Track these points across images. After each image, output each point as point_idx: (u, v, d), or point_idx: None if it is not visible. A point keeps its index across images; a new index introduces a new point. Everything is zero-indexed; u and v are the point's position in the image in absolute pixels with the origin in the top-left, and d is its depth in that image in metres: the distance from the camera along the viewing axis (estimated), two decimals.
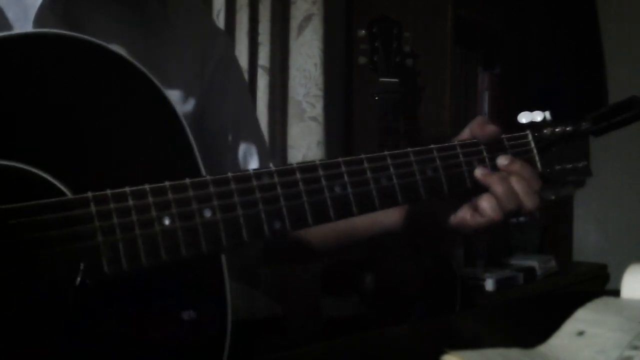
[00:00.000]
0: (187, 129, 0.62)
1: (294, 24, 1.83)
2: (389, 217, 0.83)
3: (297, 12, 1.83)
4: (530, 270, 2.20)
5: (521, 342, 0.43)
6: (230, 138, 0.91)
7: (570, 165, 0.80)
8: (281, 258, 0.98)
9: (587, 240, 2.62)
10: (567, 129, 0.79)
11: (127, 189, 0.55)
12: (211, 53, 0.89)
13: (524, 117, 0.80)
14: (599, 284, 2.42)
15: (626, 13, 2.53)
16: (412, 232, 0.84)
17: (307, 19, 1.82)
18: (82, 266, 0.52)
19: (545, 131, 0.79)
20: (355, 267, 1.61)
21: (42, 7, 0.69)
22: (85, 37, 0.59)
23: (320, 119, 1.82)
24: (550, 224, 2.54)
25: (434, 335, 0.61)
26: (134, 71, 0.60)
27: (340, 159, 0.66)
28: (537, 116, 0.80)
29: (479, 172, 0.74)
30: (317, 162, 0.64)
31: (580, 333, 0.43)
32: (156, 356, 0.57)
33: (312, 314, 1.60)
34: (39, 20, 0.69)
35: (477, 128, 0.76)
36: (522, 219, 2.41)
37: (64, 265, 0.52)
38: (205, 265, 0.60)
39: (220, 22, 1.64)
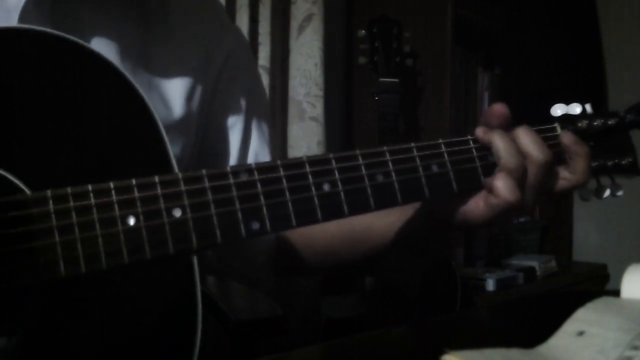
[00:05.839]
0: (159, 122, 0.58)
1: (294, 24, 1.83)
2: (402, 219, 0.76)
3: (297, 12, 1.83)
4: (530, 270, 2.20)
5: (521, 342, 0.43)
6: (238, 140, 0.86)
7: (612, 162, 0.70)
8: (291, 268, 0.92)
9: (587, 240, 2.61)
10: (609, 121, 0.68)
11: (90, 186, 0.52)
12: (219, 45, 0.85)
13: (558, 109, 0.70)
14: (599, 284, 2.42)
15: (626, 13, 2.53)
16: (424, 234, 0.77)
17: (307, 19, 1.82)
18: (39, 267, 0.50)
19: (580, 124, 0.68)
20: (355, 268, 1.61)
21: (26, 7, 0.65)
22: (43, 29, 0.56)
23: (321, 119, 1.82)
24: (550, 224, 2.54)
25: (434, 335, 0.61)
26: (97, 61, 0.57)
27: (330, 154, 0.60)
28: (576, 108, 0.70)
29: (479, 130, 0.65)
30: (305, 158, 0.59)
31: (580, 333, 0.43)
32: (120, 357, 0.55)
33: (312, 315, 1.60)
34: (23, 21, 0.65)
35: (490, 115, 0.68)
36: (522, 218, 2.41)
37: (18, 265, 0.50)
38: (176, 267, 0.56)
39: None
